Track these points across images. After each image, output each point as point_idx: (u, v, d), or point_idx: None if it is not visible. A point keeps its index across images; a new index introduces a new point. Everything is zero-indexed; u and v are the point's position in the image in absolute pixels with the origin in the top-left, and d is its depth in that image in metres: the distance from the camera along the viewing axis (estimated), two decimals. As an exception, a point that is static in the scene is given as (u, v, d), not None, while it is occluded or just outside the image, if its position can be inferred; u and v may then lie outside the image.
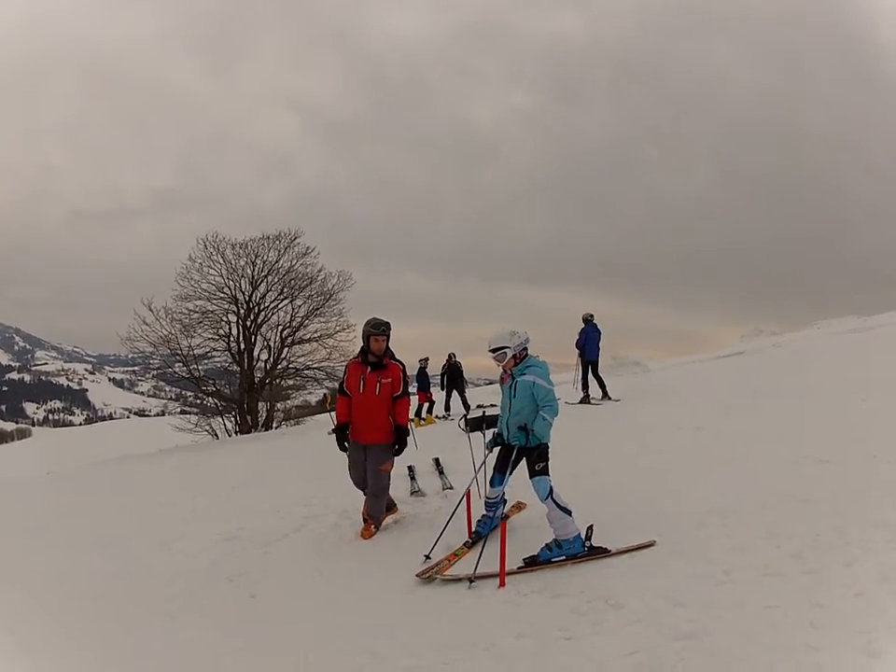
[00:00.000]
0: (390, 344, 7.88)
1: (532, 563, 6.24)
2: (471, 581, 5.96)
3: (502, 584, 5.89)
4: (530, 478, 6.47)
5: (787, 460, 7.95)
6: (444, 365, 20.30)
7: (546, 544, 6.33)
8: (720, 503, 6.83)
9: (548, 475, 6.41)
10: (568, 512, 6.32)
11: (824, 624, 4.33)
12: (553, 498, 6.31)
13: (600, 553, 6.21)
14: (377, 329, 7.71)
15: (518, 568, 6.16)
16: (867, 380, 12.76)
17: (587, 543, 6.27)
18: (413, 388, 20.34)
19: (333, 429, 8.54)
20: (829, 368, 16.55)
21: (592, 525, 6.30)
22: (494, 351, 6.70)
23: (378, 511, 7.92)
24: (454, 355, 20.18)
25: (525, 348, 6.75)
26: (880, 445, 7.77)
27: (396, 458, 7.99)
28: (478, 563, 6.10)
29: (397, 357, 8.01)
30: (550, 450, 6.54)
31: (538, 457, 6.44)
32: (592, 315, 17.30)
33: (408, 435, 8.01)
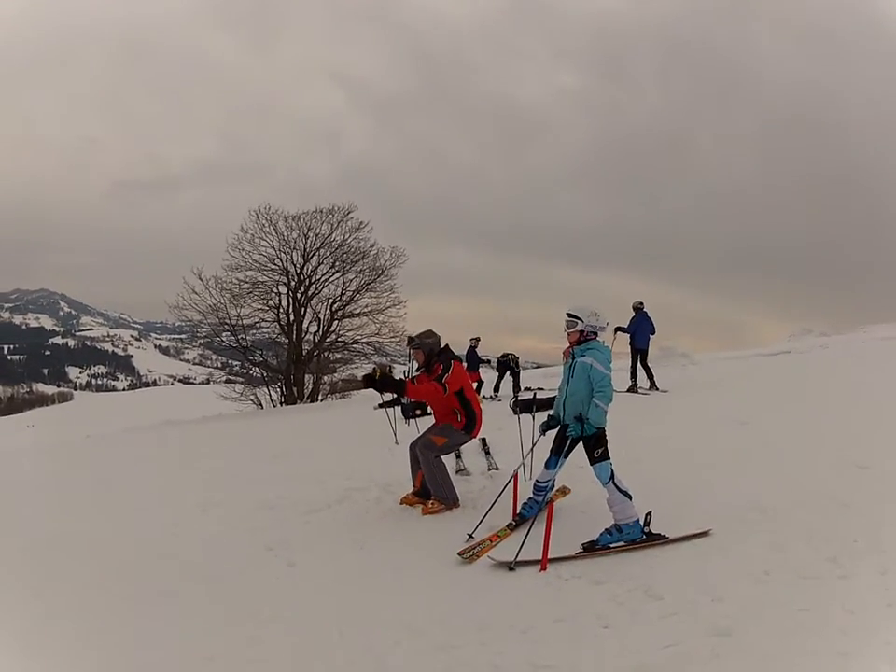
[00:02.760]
0: (438, 333, 8.07)
1: (591, 547, 6.28)
2: (511, 568, 5.99)
3: (543, 568, 5.94)
4: (591, 464, 6.51)
5: (828, 463, 7.95)
6: (501, 357, 20.08)
7: (606, 528, 6.37)
8: (762, 500, 6.86)
9: (608, 459, 6.46)
10: (629, 497, 6.37)
11: (854, 631, 4.34)
12: (614, 483, 6.37)
13: (658, 539, 6.27)
14: (411, 343, 8.21)
15: (577, 553, 6.21)
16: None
17: (646, 529, 6.33)
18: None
19: (381, 403, 8.66)
20: (875, 373, 16.33)
21: (650, 512, 6.36)
22: (570, 317, 6.74)
23: (433, 485, 7.90)
24: (512, 355, 19.90)
25: (596, 333, 6.76)
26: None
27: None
28: (521, 547, 6.11)
29: (450, 356, 8.08)
30: (606, 434, 6.59)
31: (595, 444, 6.48)
32: (642, 304, 17.25)
33: (397, 386, 7.76)
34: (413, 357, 8.15)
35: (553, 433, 6.93)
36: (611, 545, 6.27)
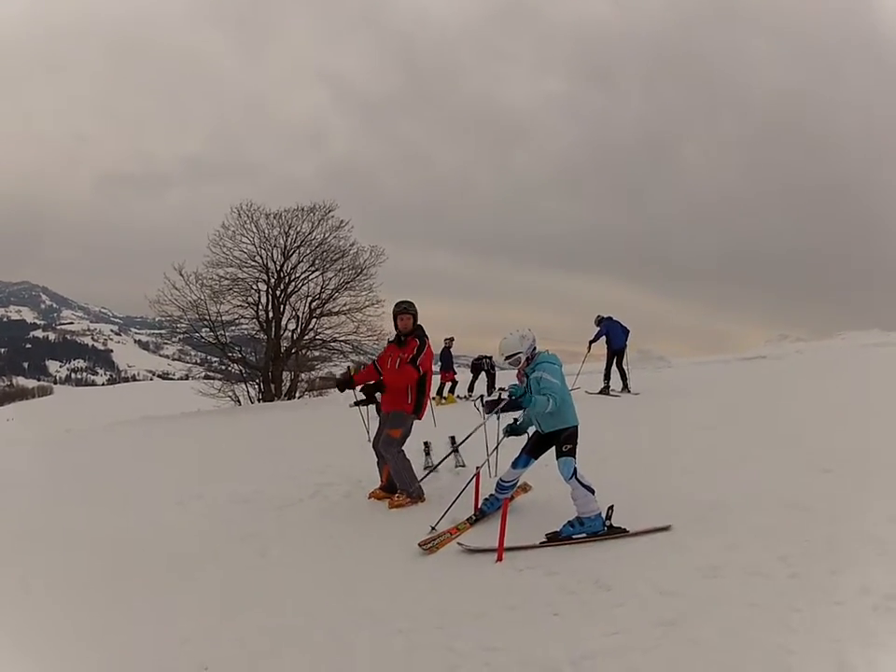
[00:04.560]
0: (421, 323, 8.30)
1: (554, 538, 6.52)
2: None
3: (500, 559, 6.15)
4: (557, 458, 6.73)
5: (792, 466, 8.06)
6: (475, 360, 20.24)
7: (568, 521, 6.59)
8: (720, 501, 6.99)
9: (573, 457, 6.68)
10: (592, 491, 6.59)
11: (799, 629, 4.45)
12: (577, 478, 6.58)
13: (619, 532, 6.48)
14: (399, 308, 8.24)
15: (540, 543, 6.44)
16: (882, 393, 12.86)
17: (607, 523, 6.54)
18: (436, 367, 20.34)
19: (355, 402, 8.82)
20: (846, 379, 16.58)
21: (612, 506, 6.56)
22: (509, 358, 6.99)
23: (398, 479, 8.12)
24: (487, 358, 19.92)
25: (534, 347, 7.04)
26: (885, 459, 7.87)
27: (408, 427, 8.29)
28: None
29: (425, 336, 8.34)
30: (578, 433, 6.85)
31: (566, 440, 6.74)
32: (602, 315, 17.69)
33: (377, 389, 8.26)
34: (398, 321, 8.27)
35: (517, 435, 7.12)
36: (574, 536, 6.50)
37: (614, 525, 6.53)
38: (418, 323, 8.35)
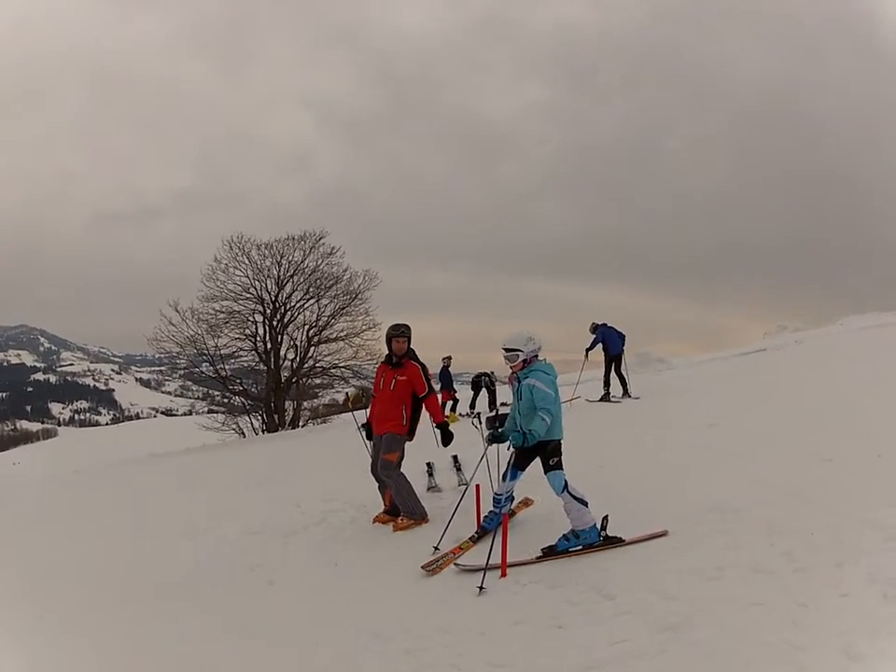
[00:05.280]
0: (413, 346, 8.44)
1: (550, 553, 6.51)
2: (481, 589, 6.05)
3: (503, 575, 6.18)
4: (545, 473, 6.70)
5: (793, 458, 8.01)
6: (475, 377, 20.36)
7: (563, 535, 6.57)
8: (722, 500, 6.94)
9: (562, 469, 6.66)
10: (585, 503, 6.57)
11: (807, 624, 4.44)
12: (568, 491, 6.55)
13: (615, 542, 6.45)
14: (397, 331, 8.30)
15: (537, 558, 6.44)
16: (882, 378, 12.81)
17: (603, 533, 6.50)
18: (436, 386, 20.35)
19: (363, 424, 8.88)
20: (845, 365, 16.49)
21: (607, 516, 6.53)
22: (508, 351, 6.87)
23: (400, 502, 8.17)
24: (486, 375, 20.04)
25: (537, 355, 6.96)
26: (887, 445, 7.78)
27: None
28: (488, 562, 6.24)
29: (419, 358, 8.47)
30: (562, 446, 6.78)
31: (551, 453, 6.68)
32: (596, 322, 17.67)
33: (447, 427, 8.52)
34: (393, 344, 8.35)
35: (504, 448, 7.10)
36: (570, 549, 6.49)
37: (610, 534, 6.52)
38: (410, 346, 8.43)
